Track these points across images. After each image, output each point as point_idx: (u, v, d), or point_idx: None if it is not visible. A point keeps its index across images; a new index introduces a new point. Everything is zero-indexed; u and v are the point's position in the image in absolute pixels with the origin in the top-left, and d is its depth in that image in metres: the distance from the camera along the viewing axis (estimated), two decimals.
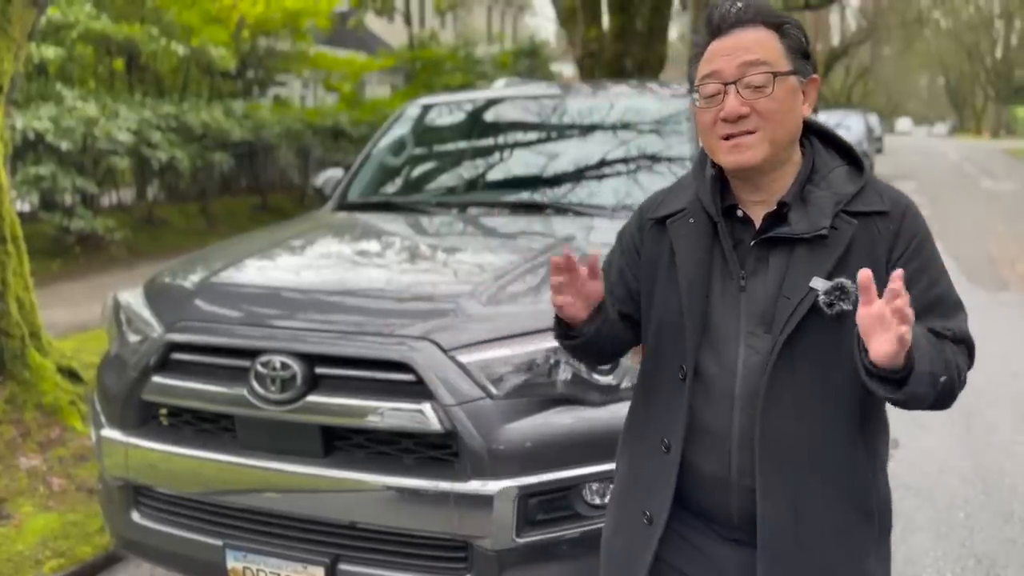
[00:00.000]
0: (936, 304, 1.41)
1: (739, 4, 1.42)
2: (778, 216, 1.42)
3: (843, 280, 1.35)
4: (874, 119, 31.74)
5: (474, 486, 2.17)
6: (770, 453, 1.40)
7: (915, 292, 1.33)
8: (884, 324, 1.21)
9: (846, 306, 1.34)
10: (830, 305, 1.35)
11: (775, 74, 1.38)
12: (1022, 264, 9.36)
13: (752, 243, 1.44)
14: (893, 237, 1.40)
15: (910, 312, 1.19)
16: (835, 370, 1.39)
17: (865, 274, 1.22)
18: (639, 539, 1.54)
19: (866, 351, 1.25)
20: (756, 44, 1.39)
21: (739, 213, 1.47)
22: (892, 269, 1.31)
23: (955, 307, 1.44)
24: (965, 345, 1.42)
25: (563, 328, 1.53)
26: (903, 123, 74.98)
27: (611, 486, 1.71)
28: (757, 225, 1.44)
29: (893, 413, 5.38)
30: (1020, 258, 9.73)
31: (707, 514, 1.51)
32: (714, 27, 1.43)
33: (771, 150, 1.40)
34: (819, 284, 1.36)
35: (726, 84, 1.39)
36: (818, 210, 1.40)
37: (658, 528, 1.51)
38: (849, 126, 23.35)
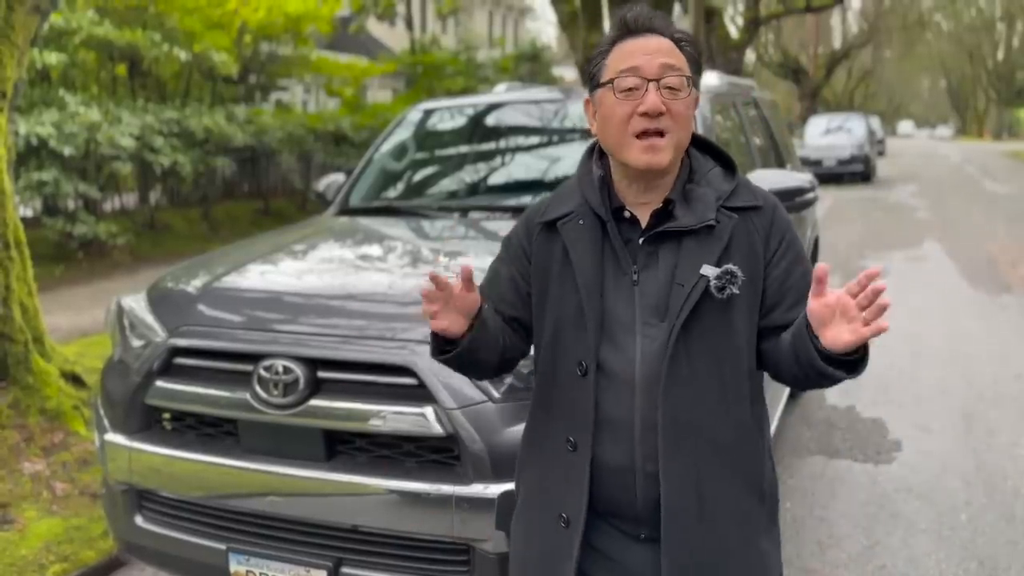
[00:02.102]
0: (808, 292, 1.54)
1: (652, 12, 1.52)
2: (664, 213, 1.52)
3: (731, 266, 1.46)
4: (876, 122, 31.76)
5: (476, 489, 2.18)
6: (672, 437, 1.46)
7: (791, 282, 1.52)
8: (845, 315, 1.30)
9: (735, 290, 1.46)
10: (721, 289, 1.46)
11: (689, 79, 1.49)
12: (1023, 266, 9.36)
13: (642, 240, 1.52)
14: (767, 230, 1.53)
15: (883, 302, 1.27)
16: (726, 354, 1.49)
17: (822, 268, 1.30)
18: (558, 545, 1.55)
19: (817, 337, 1.35)
20: (671, 50, 1.49)
21: (627, 214, 1.54)
22: (769, 259, 1.51)
23: None
24: None
25: (440, 342, 1.50)
26: (905, 126, 74.92)
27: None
28: (644, 223, 1.53)
29: (894, 415, 5.30)
30: (1021, 260, 9.72)
31: (614, 509, 1.53)
32: (629, 26, 1.51)
33: (675, 154, 1.50)
34: (709, 271, 1.46)
35: (648, 80, 1.45)
36: (703, 204, 1.51)
37: (577, 530, 1.52)
38: (851, 129, 23.35)
